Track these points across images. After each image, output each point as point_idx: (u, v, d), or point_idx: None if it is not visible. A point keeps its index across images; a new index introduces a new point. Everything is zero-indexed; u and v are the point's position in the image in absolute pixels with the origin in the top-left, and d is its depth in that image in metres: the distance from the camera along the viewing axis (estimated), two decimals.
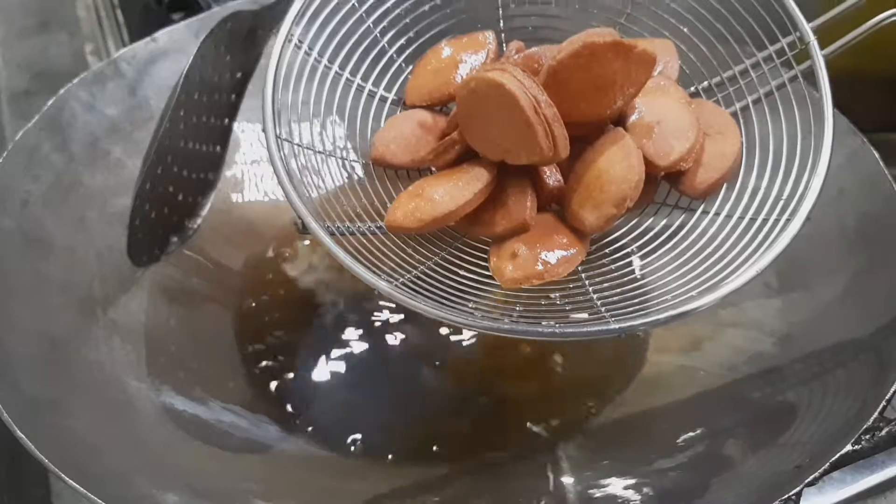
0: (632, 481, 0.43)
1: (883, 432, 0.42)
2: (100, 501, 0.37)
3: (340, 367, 0.49)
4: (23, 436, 0.38)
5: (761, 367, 0.47)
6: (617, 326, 0.35)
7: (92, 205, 0.51)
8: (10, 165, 0.49)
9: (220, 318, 0.51)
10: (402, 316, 0.51)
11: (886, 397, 0.39)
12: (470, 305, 0.36)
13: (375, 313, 0.52)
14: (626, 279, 0.38)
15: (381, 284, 0.35)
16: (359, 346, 0.50)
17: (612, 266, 0.39)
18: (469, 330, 0.35)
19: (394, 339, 0.51)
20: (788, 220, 0.37)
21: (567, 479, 0.44)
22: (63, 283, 0.48)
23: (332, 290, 0.53)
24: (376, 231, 0.39)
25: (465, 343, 0.50)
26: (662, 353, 0.49)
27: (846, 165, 0.48)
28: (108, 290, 0.49)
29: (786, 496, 0.37)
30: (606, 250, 0.39)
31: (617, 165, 0.38)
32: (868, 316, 0.45)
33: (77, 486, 0.37)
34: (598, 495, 0.43)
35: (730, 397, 0.46)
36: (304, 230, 0.37)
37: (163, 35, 0.56)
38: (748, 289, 0.49)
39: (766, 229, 0.37)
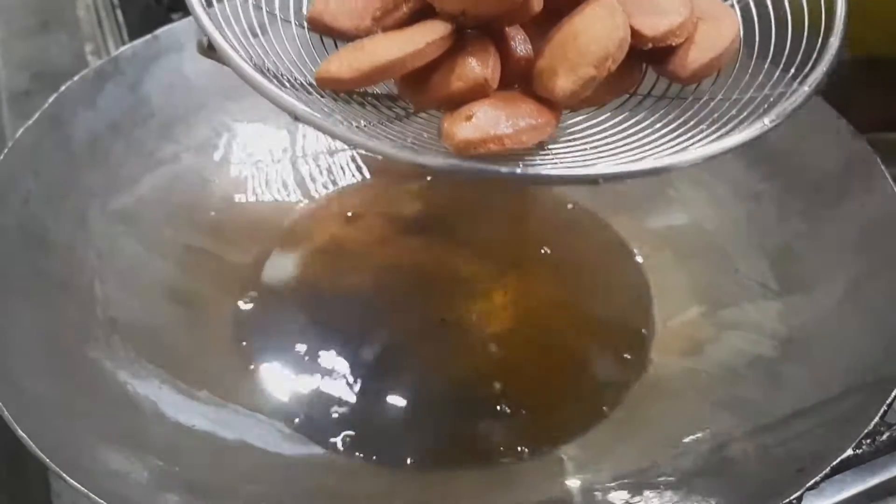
0: (633, 483, 0.43)
1: (884, 437, 0.42)
2: (100, 500, 0.37)
3: (341, 367, 0.49)
4: (24, 434, 0.38)
5: (762, 369, 0.46)
6: (595, 173, 0.30)
7: (92, 203, 0.51)
8: (10, 163, 0.48)
9: (221, 317, 0.51)
10: (403, 315, 0.51)
11: (887, 401, 0.39)
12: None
13: (376, 312, 0.52)
14: (604, 147, 0.33)
15: (298, 105, 0.30)
16: (360, 347, 0.50)
17: (588, 139, 0.34)
18: (420, 168, 0.30)
19: (395, 337, 0.51)
20: (797, 89, 0.33)
21: (568, 480, 0.44)
22: (63, 281, 0.48)
23: (332, 290, 0.53)
24: (308, 87, 0.33)
25: (466, 343, 0.50)
26: (664, 355, 0.49)
27: (846, 167, 0.49)
28: (107, 289, 0.49)
29: (787, 500, 0.37)
30: (579, 128, 0.34)
31: (598, 24, 0.32)
32: (868, 318, 0.45)
33: (77, 484, 0.37)
34: (599, 497, 0.43)
35: (731, 400, 0.46)
36: (209, 48, 0.32)
37: (164, 33, 0.55)
38: (748, 290, 0.50)
39: (770, 100, 0.33)
